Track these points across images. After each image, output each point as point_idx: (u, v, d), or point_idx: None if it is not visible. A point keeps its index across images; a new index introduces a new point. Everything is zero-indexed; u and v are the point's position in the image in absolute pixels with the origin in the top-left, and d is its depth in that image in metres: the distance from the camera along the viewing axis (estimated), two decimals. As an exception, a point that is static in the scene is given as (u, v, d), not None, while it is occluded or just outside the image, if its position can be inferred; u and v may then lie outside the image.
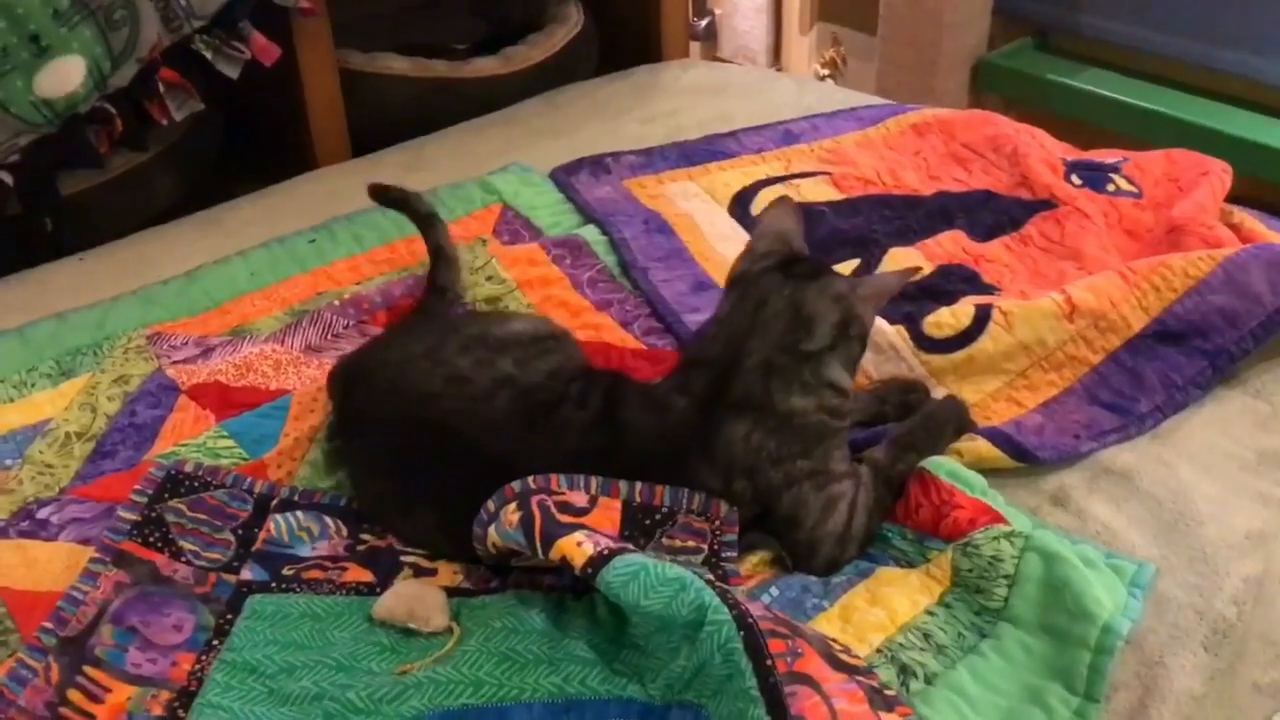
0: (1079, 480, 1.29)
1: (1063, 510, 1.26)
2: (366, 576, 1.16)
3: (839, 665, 0.99)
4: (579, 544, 1.04)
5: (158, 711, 1.03)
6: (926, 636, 1.10)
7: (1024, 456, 1.28)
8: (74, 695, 1.03)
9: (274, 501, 1.24)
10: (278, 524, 1.21)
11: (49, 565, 1.17)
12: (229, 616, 1.12)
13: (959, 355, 1.39)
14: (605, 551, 1.03)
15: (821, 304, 1.19)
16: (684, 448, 1.17)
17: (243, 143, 2.10)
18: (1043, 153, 1.84)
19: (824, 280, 1.21)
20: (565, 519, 1.09)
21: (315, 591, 1.14)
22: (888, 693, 1.00)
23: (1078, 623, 1.07)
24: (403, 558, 1.19)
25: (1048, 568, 1.12)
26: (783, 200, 1.42)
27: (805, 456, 1.17)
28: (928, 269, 1.63)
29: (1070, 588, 1.09)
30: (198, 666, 1.07)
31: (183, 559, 1.16)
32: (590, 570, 1.02)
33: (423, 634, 1.09)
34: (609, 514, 1.13)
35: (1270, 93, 2.69)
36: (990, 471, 1.28)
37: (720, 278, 1.60)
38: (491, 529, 1.11)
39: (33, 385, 1.43)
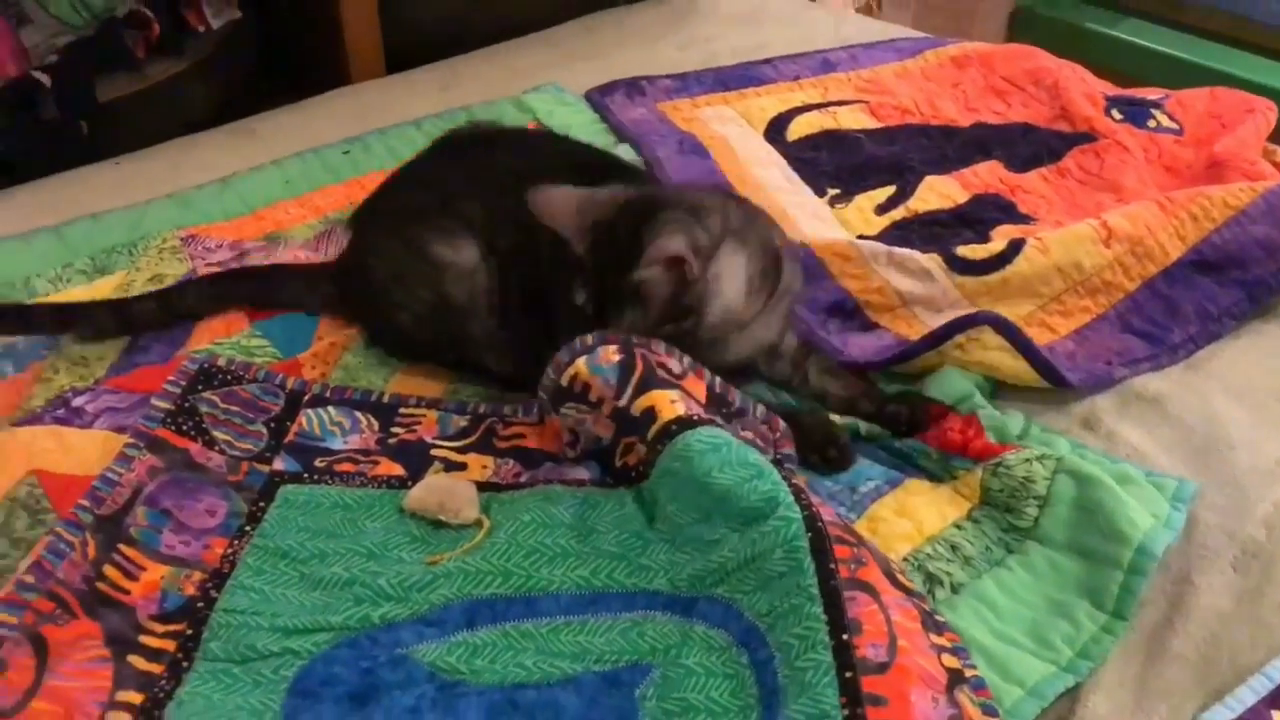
0: (1110, 405, 1.29)
1: (1092, 434, 1.26)
2: (397, 470, 1.17)
3: (897, 583, 1.00)
4: (672, 401, 1.08)
5: (190, 591, 1.04)
6: (954, 548, 1.11)
7: (1055, 378, 1.27)
8: (110, 571, 1.04)
9: (305, 397, 1.25)
10: (309, 418, 1.22)
11: (84, 450, 1.18)
12: (261, 504, 1.13)
13: (993, 277, 1.38)
14: (696, 416, 1.06)
15: None
16: None
17: (277, 58, 2.09)
18: (1084, 87, 1.82)
19: None
20: (663, 376, 1.11)
21: (347, 484, 1.15)
22: (937, 617, 1.01)
23: (1110, 543, 1.08)
24: (433, 451, 1.19)
25: (1080, 490, 1.12)
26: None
27: None
28: (962, 198, 1.62)
29: (1103, 510, 1.10)
30: (230, 550, 1.08)
31: (216, 448, 1.17)
32: (675, 428, 1.05)
33: (452, 526, 1.10)
34: (697, 388, 1.14)
35: (1313, 44, 2.66)
36: (1021, 394, 1.28)
37: (754, 197, 1.59)
38: (582, 360, 1.12)
39: (68, 280, 1.43)
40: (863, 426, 1.26)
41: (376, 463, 1.18)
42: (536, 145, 1.46)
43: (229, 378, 1.25)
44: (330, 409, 1.24)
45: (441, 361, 1.33)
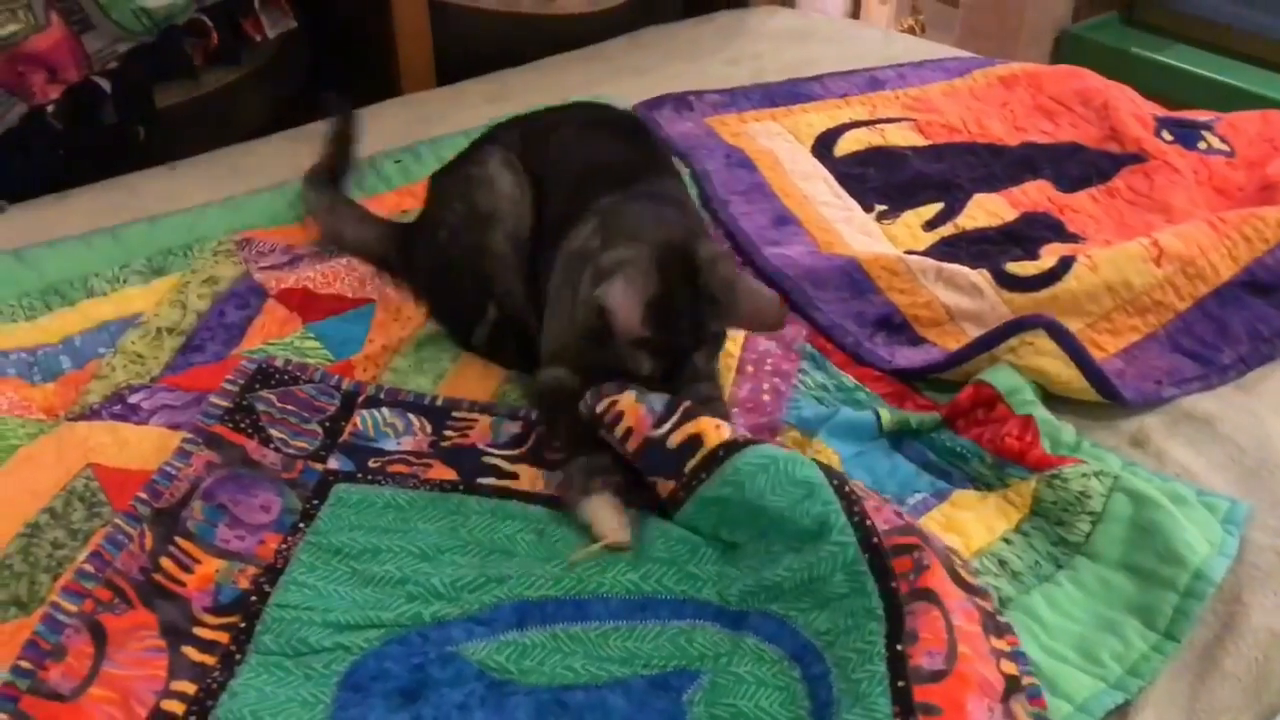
0: (1159, 423, 1.28)
1: (1141, 452, 1.25)
2: (450, 474, 1.18)
3: (959, 582, 1.00)
4: (717, 426, 1.09)
5: (244, 585, 1.06)
6: (1002, 563, 1.11)
7: (1109, 392, 1.27)
8: (165, 562, 1.06)
9: (360, 398, 1.26)
10: (364, 419, 1.24)
11: (139, 446, 1.19)
12: (314, 502, 1.14)
13: (1043, 294, 1.38)
14: (742, 439, 1.08)
15: None
16: None
17: (330, 69, 2.12)
18: (1133, 107, 1.82)
19: None
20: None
21: (400, 485, 1.16)
22: (999, 618, 1.00)
23: (1166, 565, 1.07)
24: (484, 459, 1.20)
25: (1137, 509, 1.11)
26: None
27: None
28: (1011, 216, 1.62)
29: (1160, 531, 1.09)
30: (284, 546, 1.09)
31: (271, 445, 1.19)
32: (723, 453, 1.06)
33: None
34: None
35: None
36: (1071, 409, 1.28)
37: (801, 213, 1.61)
38: (630, 391, 1.13)
39: (125, 281, 1.46)
40: (914, 420, 1.26)
41: (429, 465, 1.19)
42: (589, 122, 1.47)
43: (286, 378, 1.27)
44: (384, 410, 1.26)
45: (468, 297, 1.36)
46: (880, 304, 1.41)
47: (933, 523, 1.15)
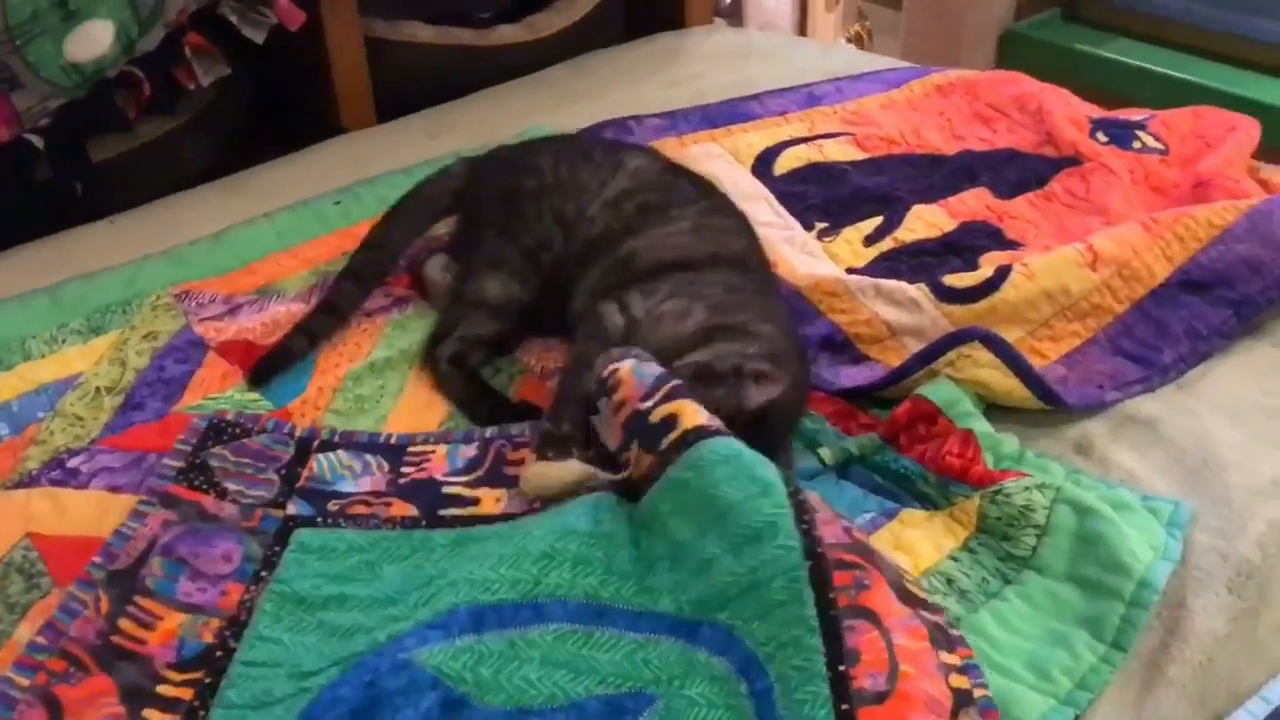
0: (1102, 429, 1.29)
1: (1085, 458, 1.26)
2: (410, 510, 1.17)
3: (906, 597, 0.99)
4: (696, 410, 1.09)
5: (208, 638, 1.04)
6: (949, 581, 1.11)
7: (1051, 399, 1.27)
8: (125, 623, 1.04)
9: (315, 443, 1.26)
10: (320, 463, 1.23)
11: (80, 511, 1.18)
12: (276, 549, 1.13)
13: (981, 305, 1.38)
14: (715, 427, 1.08)
15: None
16: None
17: (271, 109, 2.11)
18: (1068, 110, 1.83)
19: None
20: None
21: (361, 526, 1.15)
22: (951, 632, 1.00)
23: (1111, 575, 1.07)
24: (445, 489, 1.19)
25: (1080, 521, 1.12)
26: None
27: None
28: (949, 226, 1.63)
29: (1104, 541, 1.09)
30: (247, 596, 1.08)
31: (228, 498, 1.18)
32: (694, 436, 1.06)
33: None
34: None
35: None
36: (1013, 418, 1.28)
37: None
38: (631, 360, 1.15)
39: (63, 342, 1.44)
40: (854, 446, 1.26)
41: (389, 503, 1.18)
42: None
43: (238, 431, 1.26)
44: (340, 453, 1.25)
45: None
46: (822, 326, 1.42)
47: (882, 541, 1.14)
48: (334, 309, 1.45)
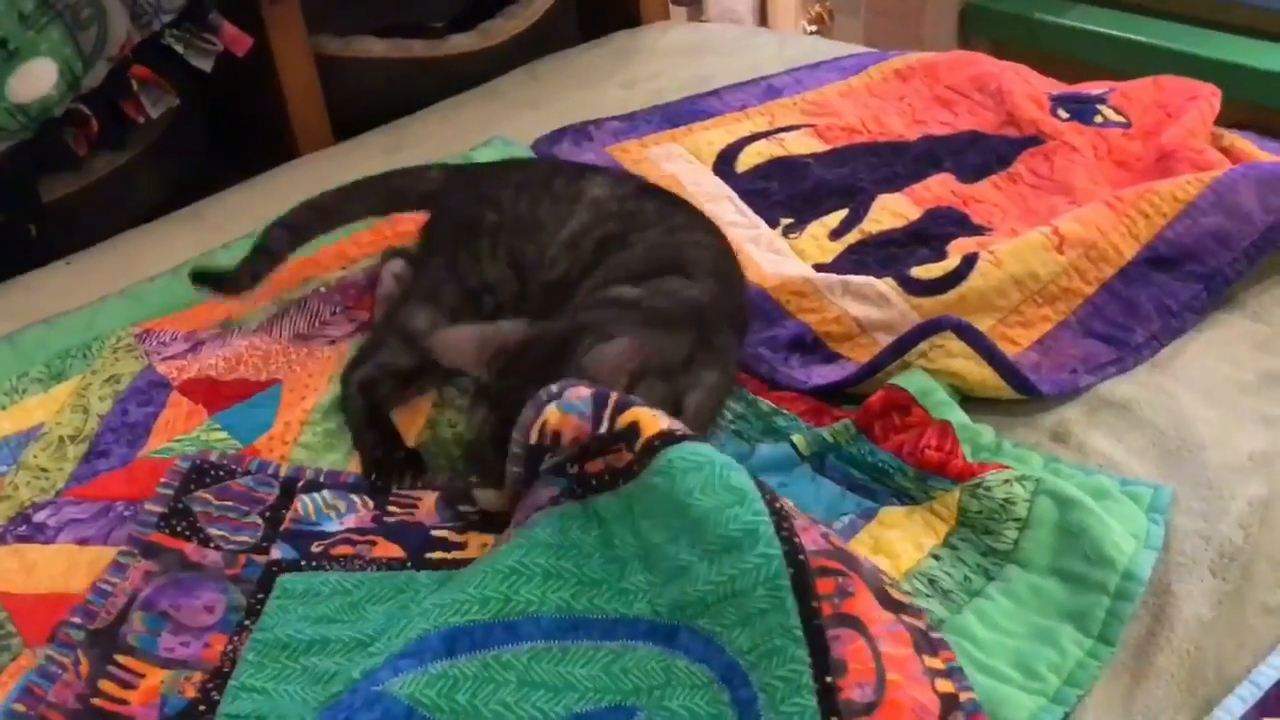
0: (1078, 414, 1.28)
1: (1063, 445, 1.25)
2: (396, 552, 1.15)
3: (888, 603, 0.97)
4: (655, 415, 1.04)
5: (191, 693, 1.02)
6: (931, 582, 1.09)
7: (1025, 388, 1.26)
8: (105, 685, 1.02)
9: (299, 483, 1.24)
10: (304, 503, 1.21)
11: (48, 567, 1.16)
12: (260, 596, 1.11)
13: (950, 295, 1.37)
14: (679, 432, 1.03)
15: None
16: None
17: (227, 136, 2.08)
18: (1028, 88, 1.81)
19: None
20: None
21: (346, 568, 1.13)
22: (933, 635, 0.98)
23: (1095, 568, 1.06)
24: (433, 532, 1.16)
25: (1062, 512, 1.10)
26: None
27: None
28: (915, 215, 1.61)
29: (1087, 533, 1.08)
30: (230, 646, 1.06)
31: (211, 545, 1.16)
32: (658, 443, 1.01)
33: None
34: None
35: (1261, 15, 2.66)
36: (989, 409, 1.27)
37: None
38: (551, 406, 1.06)
39: (24, 391, 1.42)
40: (828, 434, 1.24)
41: (374, 543, 1.16)
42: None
43: (222, 473, 1.24)
44: (325, 493, 1.23)
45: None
46: (791, 326, 1.40)
47: (861, 545, 1.13)
48: (266, 250, 1.49)
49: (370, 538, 1.17)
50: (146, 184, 1.87)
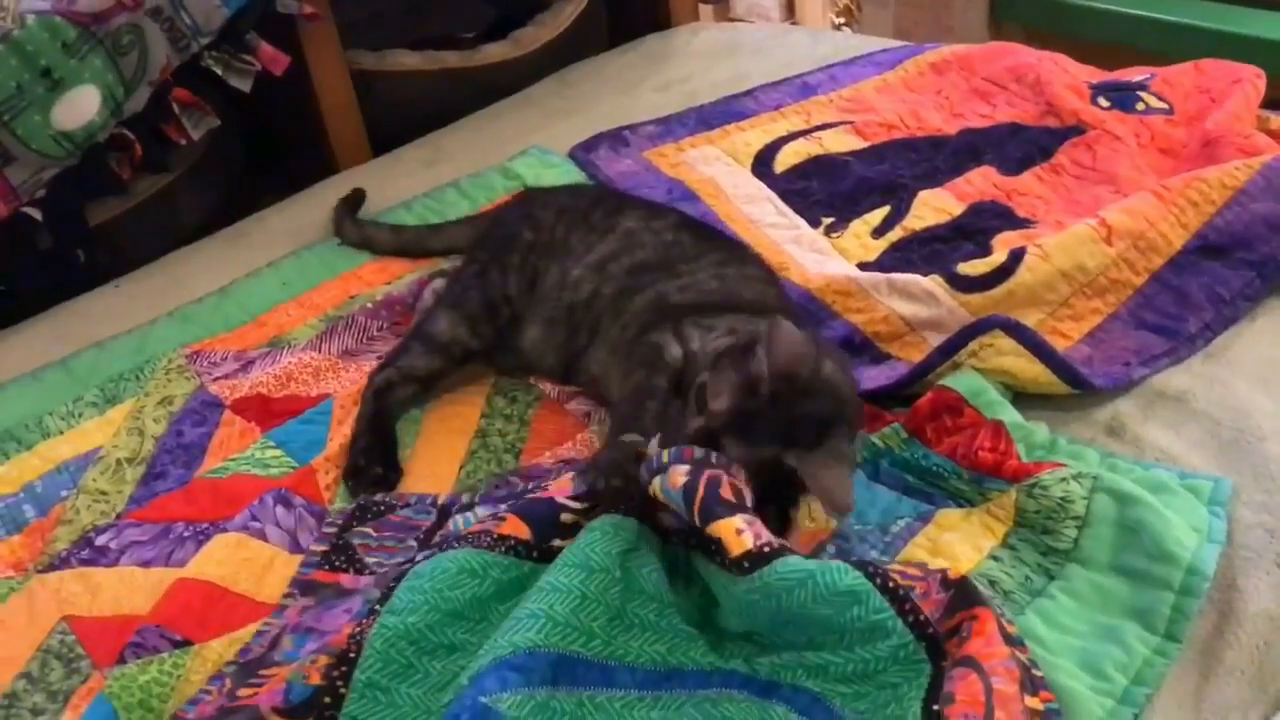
0: (1133, 407, 1.27)
1: (1119, 440, 1.24)
2: (523, 532, 1.10)
3: (1006, 637, 0.98)
4: (739, 531, 1.01)
5: (315, 679, 1.00)
6: (992, 584, 1.09)
7: (1078, 382, 1.25)
8: (243, 691, 1.03)
9: (455, 507, 1.24)
10: (455, 522, 1.20)
11: (113, 590, 1.18)
12: (392, 585, 1.08)
13: (998, 291, 1.36)
14: (767, 548, 1.00)
15: None
16: None
17: (267, 154, 2.10)
18: (1066, 78, 1.80)
19: None
20: (727, 497, 1.05)
21: (474, 545, 1.09)
22: (1035, 673, 0.98)
23: (1158, 565, 1.05)
24: (561, 514, 1.12)
25: (1121, 509, 1.10)
26: None
27: None
28: (958, 209, 1.60)
29: (1148, 529, 1.07)
30: (358, 630, 1.04)
31: (367, 572, 1.18)
32: (748, 565, 0.99)
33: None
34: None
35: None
36: (1043, 405, 1.26)
37: (749, 240, 1.59)
38: (657, 480, 1.06)
39: (80, 415, 1.44)
40: (878, 439, 1.24)
41: (503, 520, 1.12)
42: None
43: (382, 509, 1.25)
44: (478, 509, 1.22)
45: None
46: (839, 328, 1.40)
47: (919, 549, 1.13)
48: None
49: (500, 515, 1.13)
50: (189, 204, 1.88)
